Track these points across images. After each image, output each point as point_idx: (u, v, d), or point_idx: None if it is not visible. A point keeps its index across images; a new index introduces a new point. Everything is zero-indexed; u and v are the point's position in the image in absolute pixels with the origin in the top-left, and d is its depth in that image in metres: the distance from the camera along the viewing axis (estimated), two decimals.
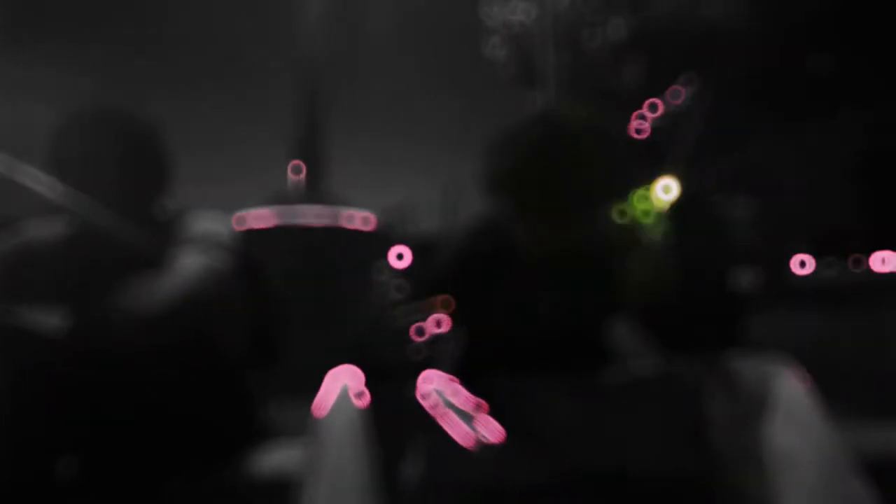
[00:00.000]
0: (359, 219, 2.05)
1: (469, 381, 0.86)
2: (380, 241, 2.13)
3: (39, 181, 0.91)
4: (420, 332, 0.65)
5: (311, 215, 1.92)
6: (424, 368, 0.78)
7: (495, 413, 0.81)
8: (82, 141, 0.92)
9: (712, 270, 0.84)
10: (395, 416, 0.71)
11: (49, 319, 0.93)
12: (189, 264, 0.82)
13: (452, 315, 0.67)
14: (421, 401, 0.74)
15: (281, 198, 2.10)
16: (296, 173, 2.29)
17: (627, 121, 7.04)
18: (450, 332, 0.69)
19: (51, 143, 0.92)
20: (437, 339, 0.66)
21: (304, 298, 1.76)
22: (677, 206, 0.86)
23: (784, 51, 5.94)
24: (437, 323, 0.68)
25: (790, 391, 0.65)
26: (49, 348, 0.80)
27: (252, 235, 1.80)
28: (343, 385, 0.72)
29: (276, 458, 1.02)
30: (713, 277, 0.84)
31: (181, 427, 0.87)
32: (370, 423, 0.69)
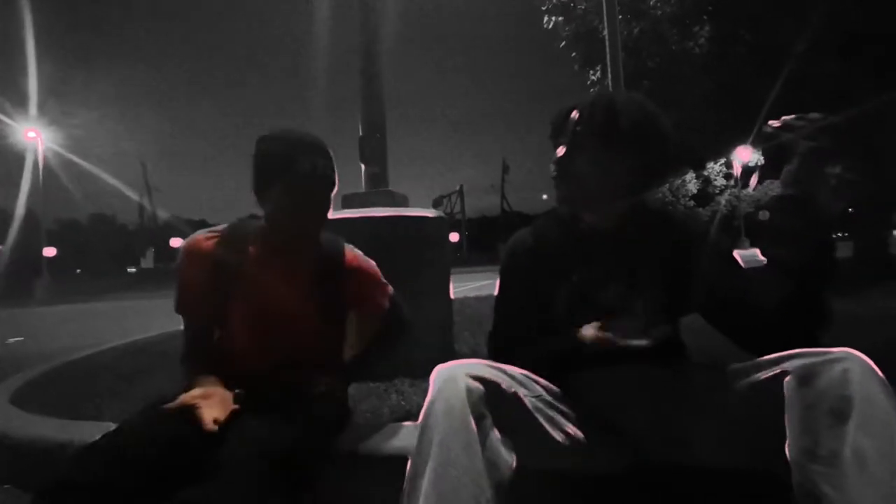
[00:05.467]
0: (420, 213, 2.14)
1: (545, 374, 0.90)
2: (441, 224, 2.17)
3: None
4: None
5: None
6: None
7: (575, 405, 0.85)
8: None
9: (801, 267, 0.79)
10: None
11: None
12: None
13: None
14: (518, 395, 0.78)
15: (349, 202, 2.22)
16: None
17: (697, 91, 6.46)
18: None
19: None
20: None
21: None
22: (776, 199, 0.80)
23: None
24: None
25: (866, 392, 0.63)
26: None
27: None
28: (451, 373, 0.75)
29: (385, 436, 1.17)
30: (802, 275, 0.79)
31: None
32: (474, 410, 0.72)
